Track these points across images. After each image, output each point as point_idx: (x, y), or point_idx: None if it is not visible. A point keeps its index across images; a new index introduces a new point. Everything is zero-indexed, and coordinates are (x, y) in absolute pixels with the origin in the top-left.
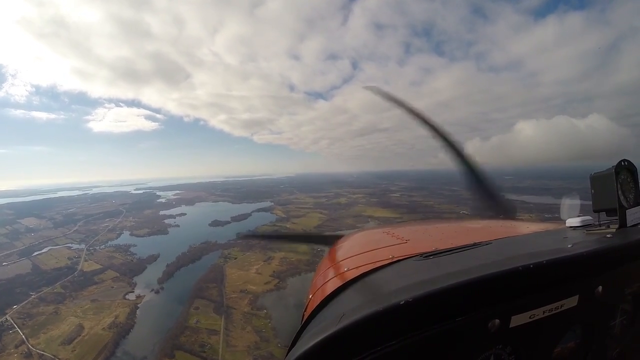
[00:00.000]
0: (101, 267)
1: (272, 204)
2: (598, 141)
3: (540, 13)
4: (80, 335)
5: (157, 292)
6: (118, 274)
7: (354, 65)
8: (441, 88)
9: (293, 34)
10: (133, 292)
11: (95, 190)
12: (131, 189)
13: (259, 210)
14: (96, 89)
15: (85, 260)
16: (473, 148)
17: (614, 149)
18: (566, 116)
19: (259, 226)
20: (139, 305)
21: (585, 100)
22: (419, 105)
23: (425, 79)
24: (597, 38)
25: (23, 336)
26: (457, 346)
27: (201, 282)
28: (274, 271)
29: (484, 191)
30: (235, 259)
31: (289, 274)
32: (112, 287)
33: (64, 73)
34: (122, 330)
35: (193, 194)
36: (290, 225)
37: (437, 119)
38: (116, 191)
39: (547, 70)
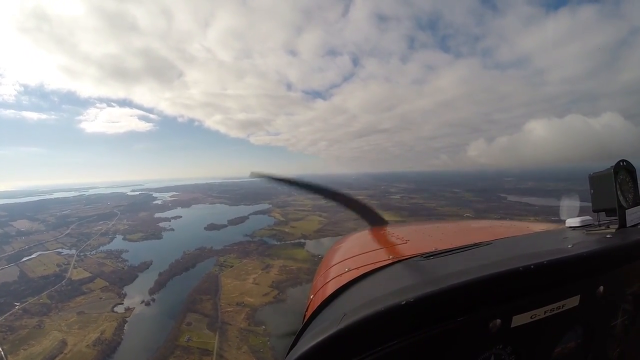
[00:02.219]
0: (90, 275)
1: (270, 206)
2: (616, 140)
3: (553, 5)
4: (62, 353)
5: (147, 304)
6: (107, 283)
7: (355, 62)
8: (444, 87)
9: (290, 27)
10: (122, 303)
11: (91, 192)
12: (127, 190)
13: (256, 212)
14: (86, 88)
15: (75, 268)
16: (478, 149)
17: (634, 148)
18: (579, 115)
19: (256, 230)
20: (127, 319)
21: (591, 100)
22: (420, 105)
23: (429, 76)
24: (609, 33)
25: (1, 352)
26: (458, 346)
27: (194, 294)
28: (272, 281)
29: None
30: (232, 267)
31: (289, 284)
32: (101, 298)
33: (52, 71)
34: (108, 348)
35: (190, 195)
36: (288, 229)
37: (439, 119)
38: (112, 192)
39: (554, 67)
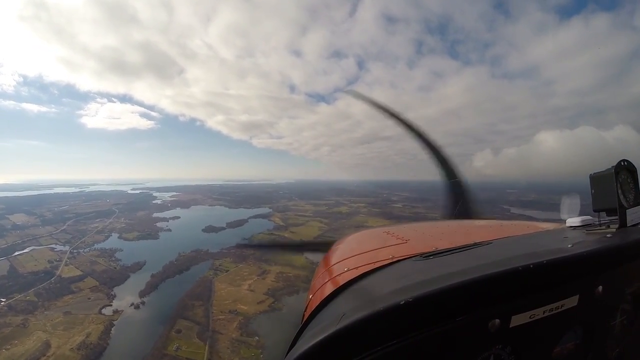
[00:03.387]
0: (81, 273)
1: (271, 210)
2: (630, 155)
3: (567, 12)
4: (45, 355)
5: (137, 307)
6: (98, 283)
7: (360, 65)
8: (451, 95)
9: (294, 25)
10: (111, 305)
11: (92, 188)
12: (128, 189)
13: (256, 216)
14: (85, 81)
15: (66, 265)
16: (484, 160)
17: None
18: (592, 127)
19: (255, 234)
20: (115, 322)
21: (598, 113)
22: (425, 113)
23: (435, 84)
24: (620, 44)
25: None
26: (457, 346)
27: (186, 299)
28: (268, 288)
29: (458, 195)
30: (227, 271)
31: (286, 292)
32: (89, 299)
33: (51, 62)
34: (92, 353)
35: (190, 196)
36: (288, 234)
37: (444, 128)
38: (113, 190)
39: (563, 78)
